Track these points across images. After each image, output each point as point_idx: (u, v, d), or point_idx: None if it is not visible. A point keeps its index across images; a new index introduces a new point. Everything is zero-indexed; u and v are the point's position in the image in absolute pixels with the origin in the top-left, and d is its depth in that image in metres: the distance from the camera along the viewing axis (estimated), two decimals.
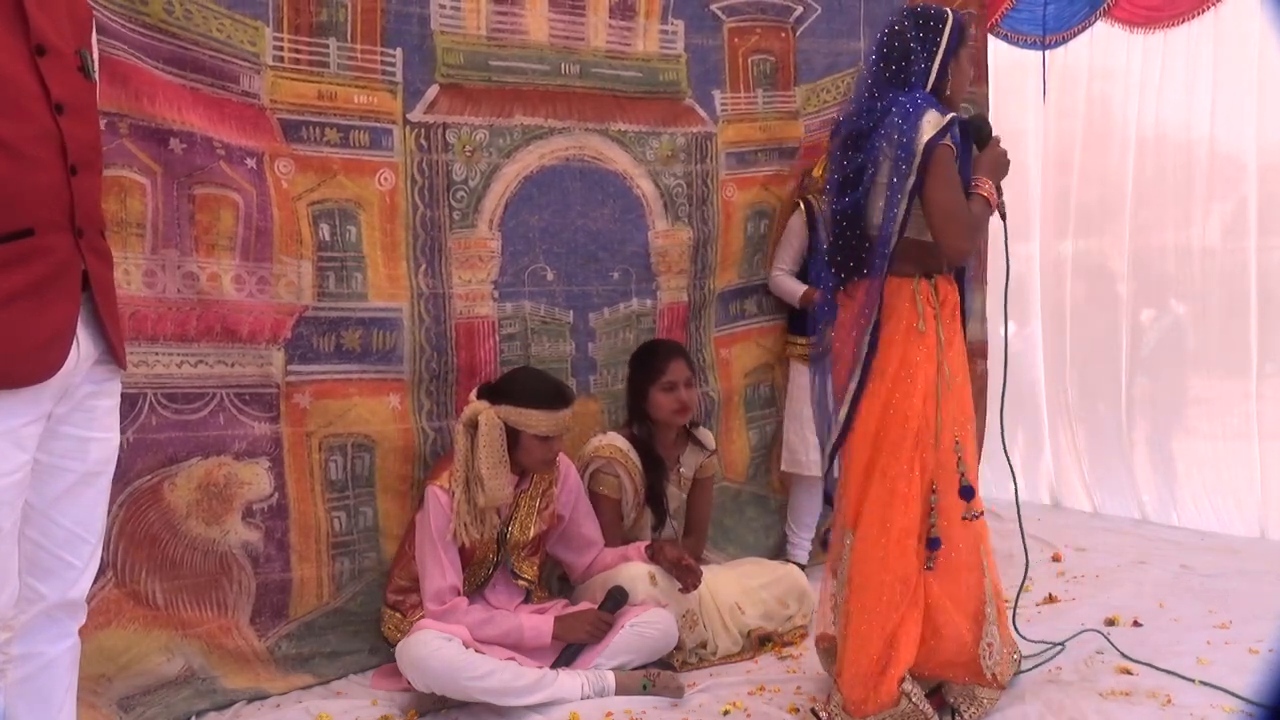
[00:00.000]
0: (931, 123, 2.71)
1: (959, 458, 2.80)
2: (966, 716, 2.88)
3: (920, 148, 2.70)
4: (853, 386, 2.83)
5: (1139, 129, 5.20)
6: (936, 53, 2.82)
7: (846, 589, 2.85)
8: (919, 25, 2.84)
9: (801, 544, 4.25)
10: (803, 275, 4.14)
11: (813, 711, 2.94)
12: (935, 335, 2.81)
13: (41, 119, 1.81)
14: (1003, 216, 2.92)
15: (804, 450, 4.10)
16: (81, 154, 1.88)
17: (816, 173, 4.15)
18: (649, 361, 3.68)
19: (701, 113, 4.05)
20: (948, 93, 2.86)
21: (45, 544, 1.95)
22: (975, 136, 2.91)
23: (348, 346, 3.36)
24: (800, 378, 4.09)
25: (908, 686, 2.76)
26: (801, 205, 4.16)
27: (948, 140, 2.73)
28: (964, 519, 2.82)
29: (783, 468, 4.24)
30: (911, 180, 2.72)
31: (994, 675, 2.89)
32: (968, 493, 2.81)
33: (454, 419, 3.51)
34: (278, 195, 3.21)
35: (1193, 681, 3.06)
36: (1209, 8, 4.89)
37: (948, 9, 2.90)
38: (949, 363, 2.81)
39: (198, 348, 3.10)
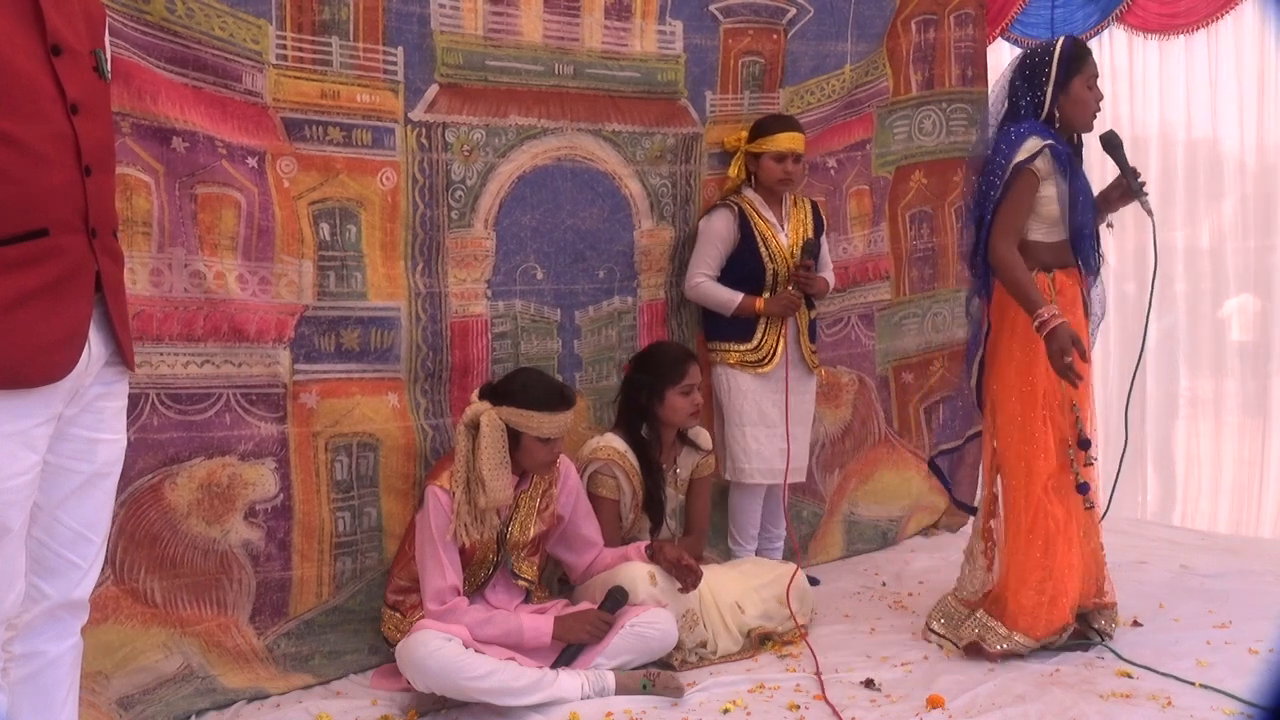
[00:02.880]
0: (1026, 149, 3.29)
1: (1076, 417, 3.36)
2: (1112, 632, 3.49)
3: (1010, 167, 3.31)
4: (977, 356, 3.60)
5: (1147, 130, 5.26)
6: (1044, 85, 3.37)
7: (1005, 527, 3.46)
8: (1024, 64, 3.44)
9: (747, 553, 4.17)
10: (724, 281, 4.01)
11: (974, 645, 3.39)
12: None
13: (57, 119, 1.84)
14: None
15: (746, 459, 4.04)
16: (95, 154, 1.91)
17: (733, 172, 4.11)
18: (666, 364, 3.72)
19: (693, 114, 4.11)
20: (1061, 119, 3.39)
21: (51, 544, 1.97)
22: (1107, 148, 3.41)
23: (347, 346, 3.41)
24: (739, 383, 4.03)
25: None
26: (735, 209, 4.01)
27: (1036, 164, 3.29)
28: (1086, 465, 3.38)
29: (727, 476, 4.13)
30: (997, 194, 3.34)
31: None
32: (1084, 444, 3.38)
33: (449, 417, 3.58)
34: (279, 195, 3.26)
35: (1193, 684, 3.10)
36: (1226, 12, 4.94)
37: (1056, 44, 3.40)
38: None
39: (204, 347, 3.14)
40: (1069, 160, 3.34)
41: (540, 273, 3.81)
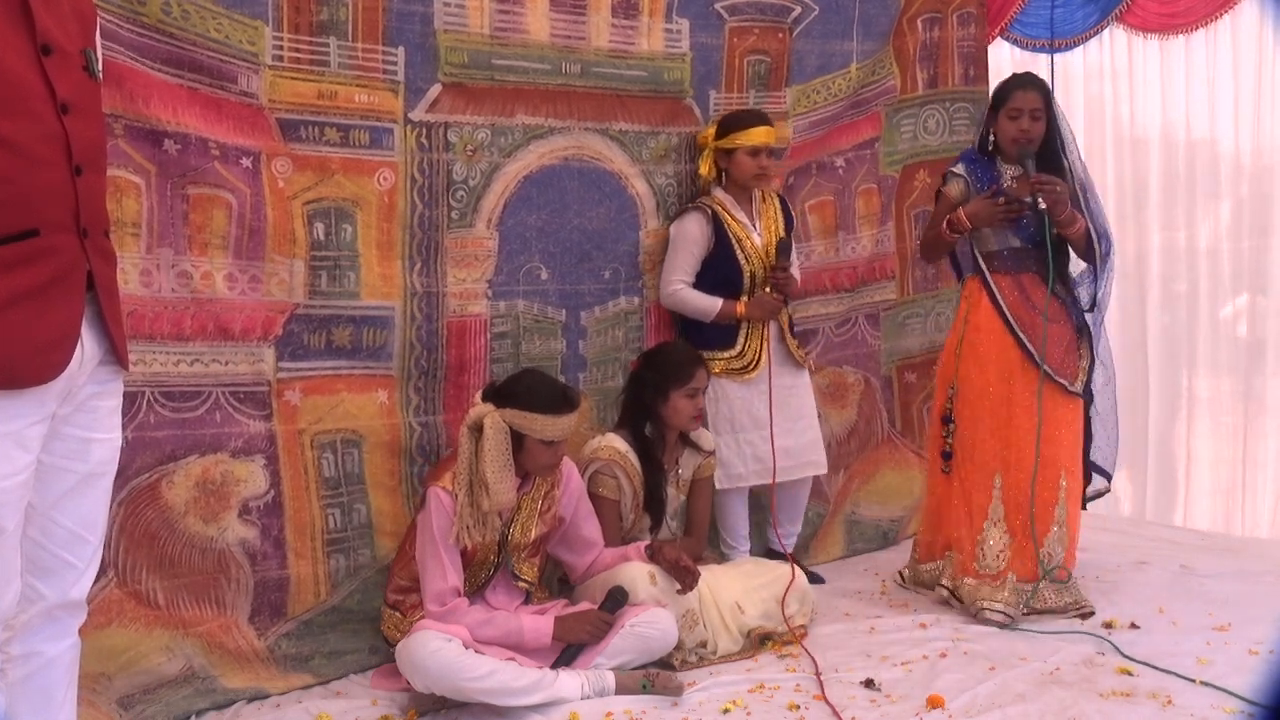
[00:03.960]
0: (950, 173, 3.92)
1: (949, 395, 3.87)
2: (961, 597, 3.80)
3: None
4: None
5: (1148, 130, 5.23)
6: (986, 119, 3.90)
7: None
8: None
9: (742, 554, 4.11)
10: (700, 286, 3.93)
11: (900, 574, 4.17)
12: (961, 315, 3.92)
13: (47, 119, 1.82)
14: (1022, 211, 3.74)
15: (740, 462, 3.97)
16: (86, 154, 1.89)
17: (703, 170, 3.99)
18: (672, 365, 3.66)
19: (698, 113, 4.06)
20: (996, 146, 3.84)
21: (46, 544, 1.95)
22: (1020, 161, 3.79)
23: (338, 344, 3.38)
24: (726, 391, 3.94)
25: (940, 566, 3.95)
26: (708, 210, 3.91)
27: (945, 186, 3.90)
28: (943, 436, 3.90)
29: (718, 486, 3.98)
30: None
31: (987, 569, 3.76)
32: (945, 419, 3.89)
33: (441, 415, 3.55)
34: (272, 195, 3.22)
35: (1193, 682, 3.07)
36: (1225, 12, 4.91)
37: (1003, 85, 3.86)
38: (966, 339, 3.84)
39: (193, 346, 3.12)
40: (992, 182, 3.80)
41: (545, 273, 3.77)
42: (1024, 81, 3.81)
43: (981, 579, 3.75)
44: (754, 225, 3.99)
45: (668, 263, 3.97)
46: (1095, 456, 4.06)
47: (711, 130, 3.98)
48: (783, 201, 4.14)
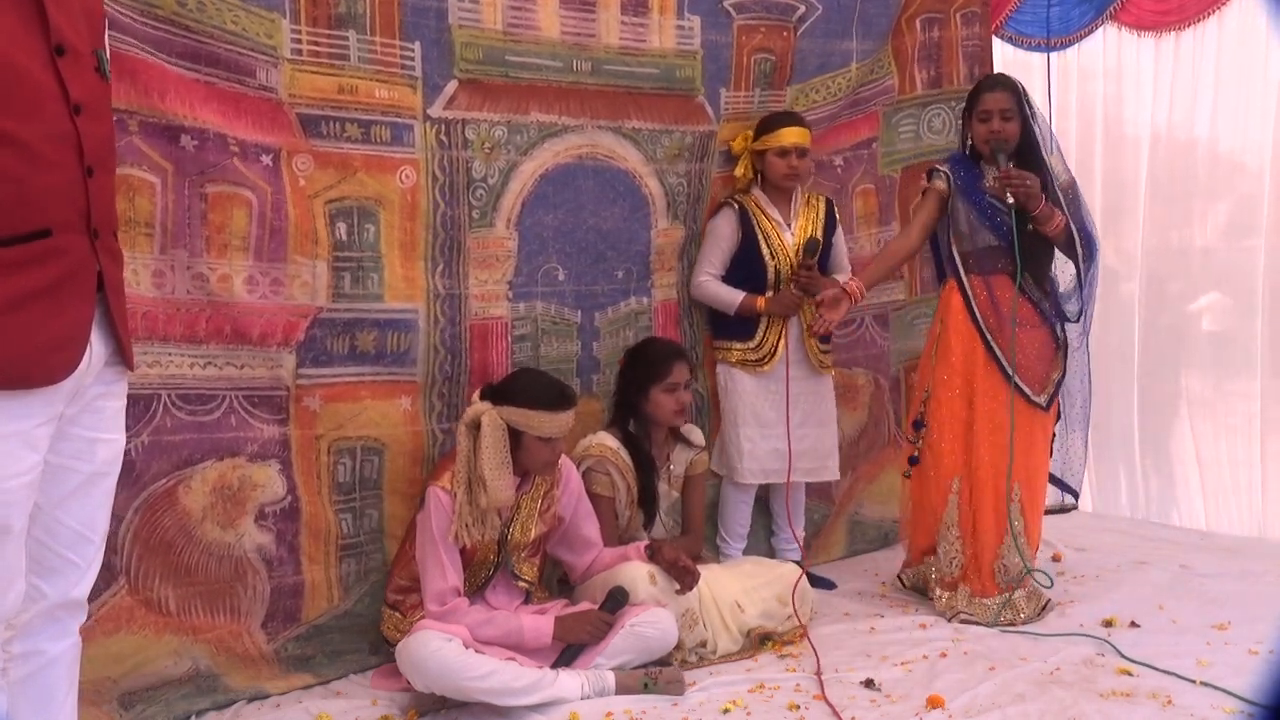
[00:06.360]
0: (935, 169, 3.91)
1: (923, 400, 3.88)
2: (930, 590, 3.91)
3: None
4: None
5: (1141, 129, 5.21)
6: (963, 123, 3.95)
7: None
8: None
9: (734, 553, 4.10)
10: (729, 280, 4.00)
11: (899, 577, 4.13)
12: (937, 318, 3.91)
13: (60, 120, 1.79)
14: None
15: (740, 458, 3.98)
16: (97, 155, 1.86)
17: (739, 172, 4.04)
18: (651, 361, 3.64)
19: (709, 111, 3.99)
20: (974, 146, 3.86)
21: (50, 543, 1.93)
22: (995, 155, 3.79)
23: (362, 349, 3.28)
24: (737, 383, 4.00)
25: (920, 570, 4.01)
26: (736, 206, 3.98)
27: (934, 182, 3.89)
28: (910, 441, 3.95)
29: (715, 470, 4.07)
30: None
31: (941, 572, 3.85)
32: (916, 425, 3.91)
33: None
34: (294, 193, 3.12)
35: (1193, 682, 3.05)
36: (1217, 9, 4.93)
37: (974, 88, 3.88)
38: (940, 340, 3.85)
39: (207, 349, 3.02)
40: (971, 182, 3.80)
41: (562, 273, 3.69)
42: (993, 83, 3.84)
43: (944, 585, 3.81)
44: (788, 225, 4.00)
45: (700, 256, 4.04)
46: (1056, 469, 4.05)
47: (750, 133, 4.02)
48: (829, 205, 4.13)
